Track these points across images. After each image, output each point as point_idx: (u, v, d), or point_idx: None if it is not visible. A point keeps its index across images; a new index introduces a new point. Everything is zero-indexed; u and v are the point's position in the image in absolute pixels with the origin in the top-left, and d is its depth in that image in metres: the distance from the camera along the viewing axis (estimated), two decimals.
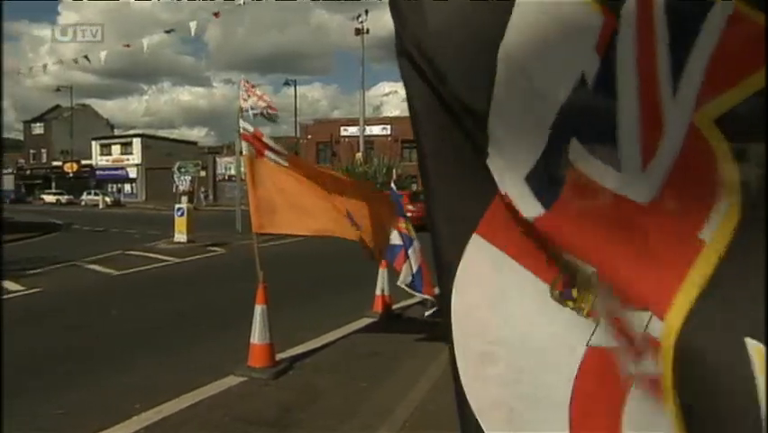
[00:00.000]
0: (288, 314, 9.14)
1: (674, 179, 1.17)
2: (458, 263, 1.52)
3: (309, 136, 60.69)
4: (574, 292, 1.37)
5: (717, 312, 1.14)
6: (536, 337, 1.44)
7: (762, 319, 1.08)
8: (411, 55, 1.53)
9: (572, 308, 1.38)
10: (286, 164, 7.28)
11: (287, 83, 58.37)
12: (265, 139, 7.29)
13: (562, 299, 1.40)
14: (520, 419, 1.45)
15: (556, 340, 1.41)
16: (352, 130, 52.96)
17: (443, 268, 1.55)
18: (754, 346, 1.10)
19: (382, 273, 9.51)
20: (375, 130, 54.26)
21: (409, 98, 1.55)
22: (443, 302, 1.54)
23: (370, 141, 48.47)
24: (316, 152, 60.15)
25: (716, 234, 1.13)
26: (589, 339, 1.35)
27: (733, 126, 1.09)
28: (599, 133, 1.29)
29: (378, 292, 9.67)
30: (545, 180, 1.38)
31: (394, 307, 9.85)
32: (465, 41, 1.46)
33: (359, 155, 45.43)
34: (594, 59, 1.29)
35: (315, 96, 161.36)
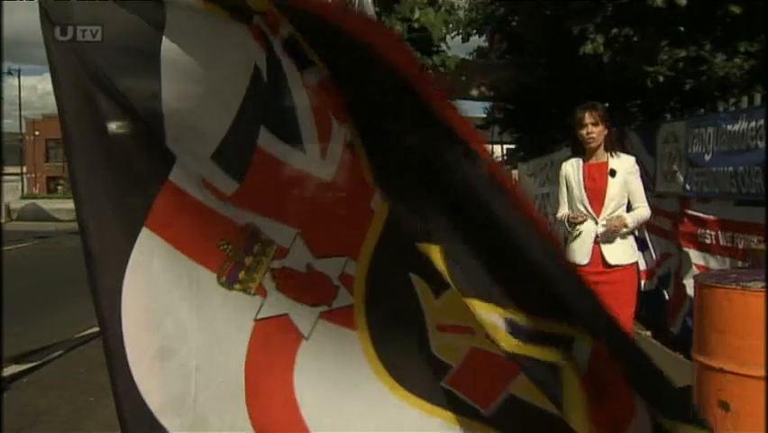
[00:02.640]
0: (9, 328, 8.31)
1: (344, 167, 1.53)
2: (126, 261, 1.47)
3: (37, 133, 55.16)
4: (241, 275, 1.51)
5: (390, 256, 1.56)
6: (209, 324, 1.51)
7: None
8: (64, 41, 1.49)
9: (239, 290, 1.52)
10: None
11: (10, 72, 52.29)
12: None
13: (229, 284, 1.53)
14: (204, 407, 1.49)
15: (227, 323, 1.53)
16: None
17: (103, 266, 1.47)
18: (414, 279, 1.56)
19: None
20: None
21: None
22: (104, 306, 1.47)
23: None
24: (46, 150, 55.13)
25: (379, 205, 1.54)
26: (257, 314, 1.53)
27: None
28: (284, 123, 1.51)
29: None
30: (233, 159, 1.51)
31: None
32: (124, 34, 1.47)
33: None
34: (258, 49, 1.45)
35: (46, 89, 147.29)
